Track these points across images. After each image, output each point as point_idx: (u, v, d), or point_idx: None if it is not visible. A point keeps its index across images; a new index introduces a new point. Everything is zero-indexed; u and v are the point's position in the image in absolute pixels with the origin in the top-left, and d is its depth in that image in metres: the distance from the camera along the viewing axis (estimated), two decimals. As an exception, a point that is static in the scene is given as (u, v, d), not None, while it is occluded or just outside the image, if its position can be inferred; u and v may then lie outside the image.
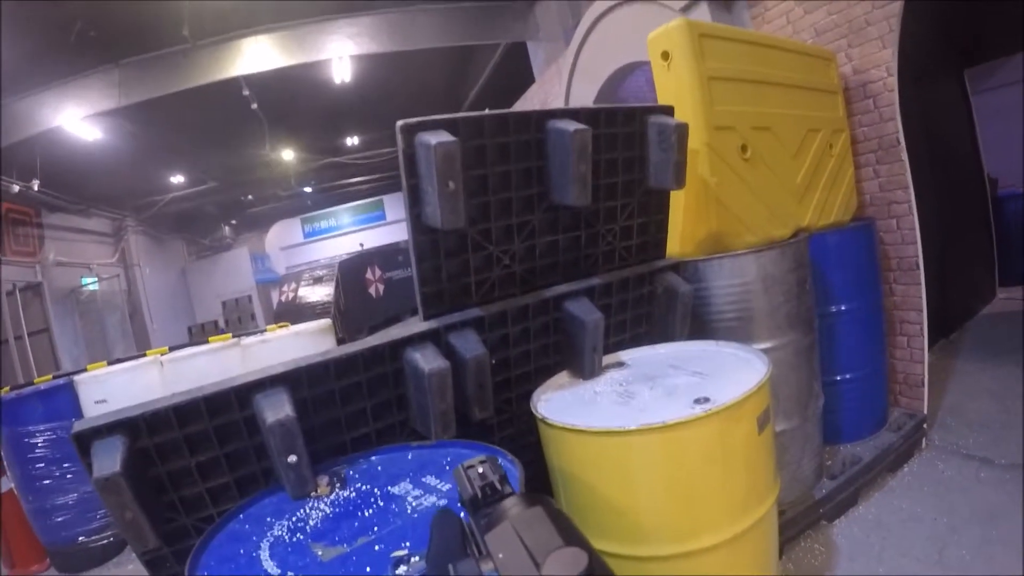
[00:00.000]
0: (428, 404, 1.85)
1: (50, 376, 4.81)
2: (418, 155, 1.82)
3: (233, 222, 18.27)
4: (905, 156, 3.60)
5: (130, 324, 13.31)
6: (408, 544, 1.35)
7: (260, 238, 18.73)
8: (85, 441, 1.57)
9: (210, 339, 4.87)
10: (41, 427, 4.15)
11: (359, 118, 12.17)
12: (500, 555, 0.69)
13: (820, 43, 3.84)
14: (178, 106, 8.65)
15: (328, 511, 1.61)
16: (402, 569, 1.21)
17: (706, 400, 1.74)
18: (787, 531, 2.78)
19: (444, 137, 1.77)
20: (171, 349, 4.86)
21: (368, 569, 1.28)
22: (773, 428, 1.97)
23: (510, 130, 2.04)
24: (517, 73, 9.56)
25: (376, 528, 1.46)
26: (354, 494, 1.69)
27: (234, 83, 8.40)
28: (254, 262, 17.37)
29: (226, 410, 1.74)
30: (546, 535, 0.71)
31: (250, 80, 8.50)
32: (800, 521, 2.88)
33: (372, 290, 9.33)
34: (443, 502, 1.54)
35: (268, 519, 1.62)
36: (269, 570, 1.36)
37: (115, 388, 4.10)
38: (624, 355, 2.47)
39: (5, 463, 4.35)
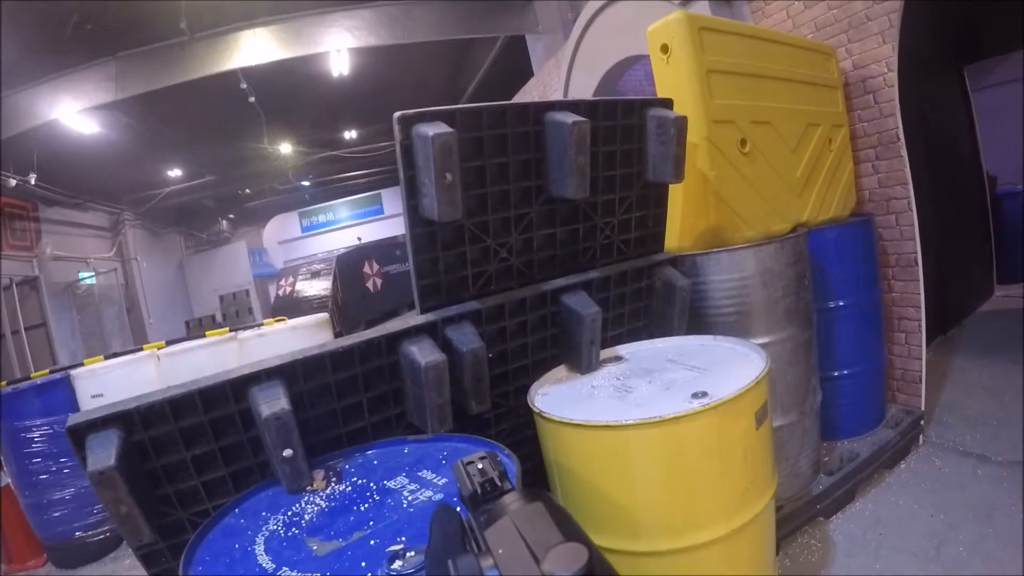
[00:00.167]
0: (425, 398, 1.84)
1: (47, 371, 4.80)
2: (415, 147, 1.81)
3: (231, 216, 18.24)
4: (904, 152, 3.59)
5: (127, 318, 13.29)
6: (404, 539, 1.34)
7: (258, 232, 18.71)
8: (80, 435, 1.56)
9: (207, 333, 4.85)
10: (38, 422, 4.14)
11: (357, 112, 12.14)
12: (500, 551, 0.68)
13: (820, 38, 3.83)
14: (175, 99, 8.62)
15: (324, 505, 1.60)
16: (398, 564, 1.20)
17: (704, 395, 1.74)
18: (784, 527, 2.78)
19: (442, 129, 1.76)
20: (168, 343, 4.85)
21: (364, 564, 1.28)
22: (771, 423, 1.96)
23: (508, 122, 2.03)
24: (516, 67, 9.55)
25: (372, 522, 1.45)
26: (350, 488, 1.68)
27: (232, 76, 8.37)
28: (252, 256, 17.36)
29: (221, 403, 1.73)
30: (546, 531, 0.70)
31: (248, 73, 8.47)
32: (797, 517, 2.88)
33: (370, 284, 9.33)
34: (439, 496, 1.53)
35: (263, 513, 1.61)
36: (264, 564, 1.35)
37: (112, 382, 4.09)
38: (622, 349, 2.46)
39: (2, 458, 4.34)
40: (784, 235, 3.04)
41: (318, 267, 9.41)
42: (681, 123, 2.37)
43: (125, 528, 1.52)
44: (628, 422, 1.65)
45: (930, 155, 4.88)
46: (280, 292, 9.76)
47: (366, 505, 1.55)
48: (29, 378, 4.51)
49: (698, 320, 2.75)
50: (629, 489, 1.74)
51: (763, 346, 2.13)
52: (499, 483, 0.91)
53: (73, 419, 1.57)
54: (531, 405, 1.96)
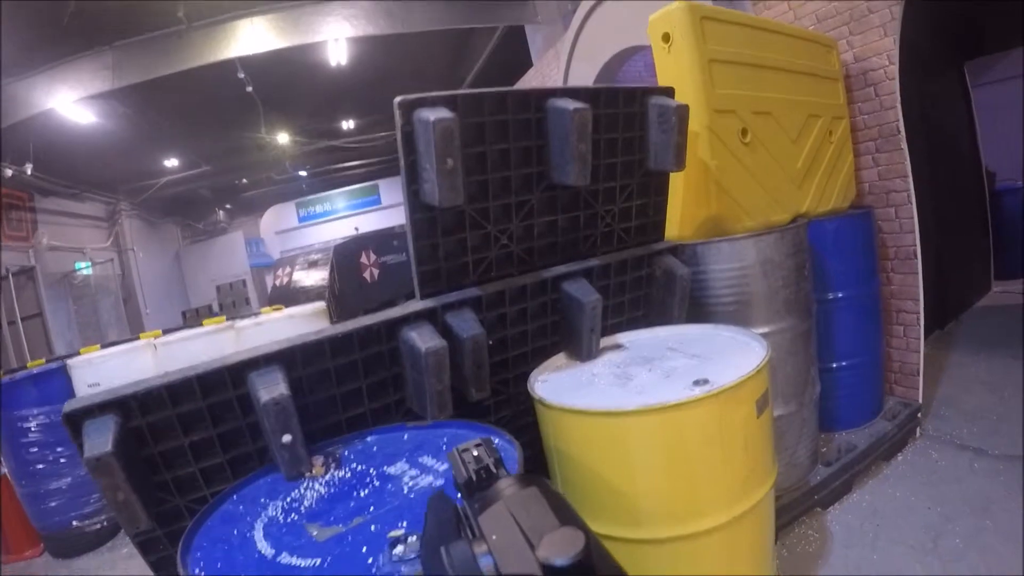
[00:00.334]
0: (425, 384, 1.83)
1: (43, 360, 4.78)
2: (416, 132, 1.79)
3: (227, 206, 18.14)
4: (905, 145, 3.59)
5: (124, 309, 13.23)
6: (405, 524, 1.33)
7: (255, 222, 18.59)
8: (77, 421, 1.55)
9: (204, 322, 4.83)
10: (34, 411, 4.13)
11: (355, 101, 12.06)
12: (494, 537, 0.67)
13: (821, 30, 3.81)
14: (172, 89, 8.55)
15: (323, 491, 1.60)
16: (399, 548, 1.20)
17: (705, 382, 1.73)
18: (782, 517, 2.78)
19: (443, 113, 1.74)
20: (165, 332, 4.83)
21: (365, 549, 1.27)
22: (771, 412, 1.96)
23: (509, 108, 2.01)
24: (515, 57, 9.49)
25: (372, 508, 1.45)
26: (349, 474, 1.67)
27: (229, 65, 8.28)
28: (248, 246, 17.26)
29: (219, 389, 1.72)
30: (541, 516, 0.69)
31: (245, 62, 8.39)
32: (795, 507, 2.88)
33: (367, 274, 9.28)
34: (440, 482, 1.52)
35: (262, 500, 1.60)
36: (263, 550, 1.34)
37: (109, 371, 4.05)
38: (621, 337, 2.46)
39: (-2, 448, 4.34)
40: (784, 225, 3.03)
41: (315, 257, 9.36)
42: (683, 111, 2.36)
43: (122, 515, 1.51)
44: (629, 409, 1.65)
45: (930, 150, 4.87)
46: (277, 282, 9.71)
47: (366, 491, 1.55)
48: (25, 368, 4.49)
49: (698, 309, 2.75)
50: (630, 476, 1.74)
51: (763, 336, 2.12)
52: (494, 470, 0.90)
53: (70, 405, 1.56)
54: (531, 392, 1.95)
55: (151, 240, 15.18)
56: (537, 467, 2.09)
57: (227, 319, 4.82)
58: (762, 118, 3.07)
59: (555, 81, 6.77)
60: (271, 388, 1.64)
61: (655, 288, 2.59)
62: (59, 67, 7.79)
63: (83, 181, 11.73)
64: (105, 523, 4.39)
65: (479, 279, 2.16)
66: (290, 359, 1.79)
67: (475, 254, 2.12)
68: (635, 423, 1.66)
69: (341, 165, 16.31)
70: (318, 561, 1.26)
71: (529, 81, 8.34)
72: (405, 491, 1.50)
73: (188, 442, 1.71)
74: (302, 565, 1.26)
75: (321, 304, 5.14)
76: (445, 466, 1.60)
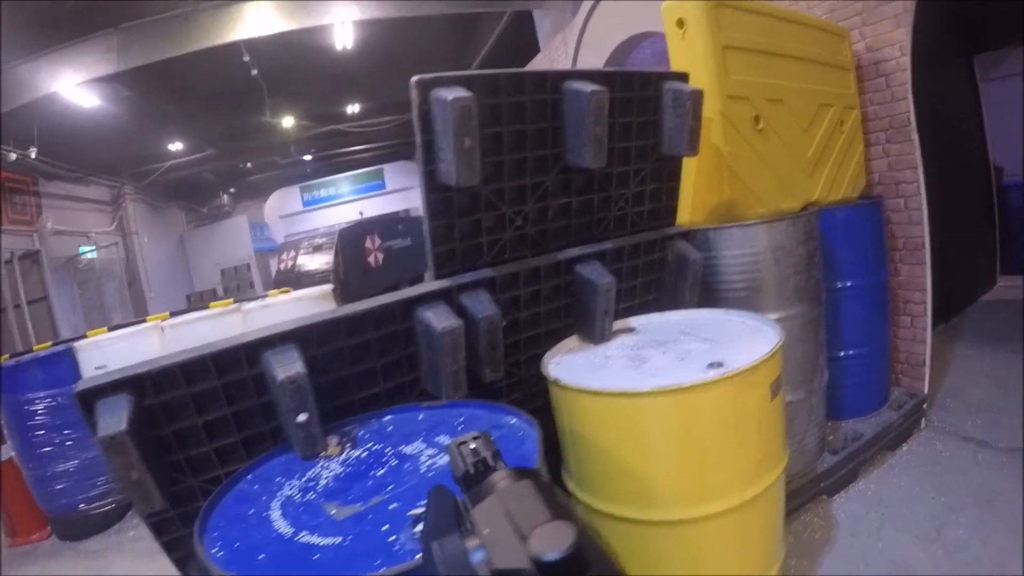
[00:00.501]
0: (440, 363, 1.83)
1: (49, 344, 4.78)
2: (433, 111, 1.78)
3: (232, 190, 18.08)
4: (915, 136, 3.57)
5: (128, 293, 13.26)
6: (424, 502, 1.33)
7: (259, 206, 18.54)
8: (89, 400, 1.54)
9: (211, 304, 4.83)
10: (41, 394, 4.12)
11: (360, 86, 11.99)
12: (486, 530, 0.67)
13: (834, 19, 3.78)
14: (177, 72, 8.50)
15: (339, 471, 1.59)
16: (421, 526, 1.20)
17: (720, 365, 1.73)
18: (789, 503, 2.76)
19: (461, 93, 1.73)
20: (172, 315, 4.83)
21: (385, 527, 1.27)
22: (784, 397, 1.96)
23: (526, 89, 2.00)
24: (522, 42, 9.43)
25: (391, 487, 1.44)
26: (366, 454, 1.67)
27: (234, 48, 8.23)
28: (253, 230, 17.25)
29: (235, 367, 1.71)
30: (533, 509, 0.69)
31: (250, 45, 8.33)
32: (802, 494, 2.89)
33: (371, 259, 9.28)
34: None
35: (278, 479, 1.60)
36: (282, 529, 1.34)
37: (115, 354, 4.05)
38: (634, 321, 2.46)
39: (5, 431, 4.34)
40: (796, 213, 3.02)
41: (320, 241, 9.33)
42: (697, 96, 2.35)
43: (136, 495, 1.50)
44: (645, 390, 1.65)
45: (938, 144, 4.84)
46: (281, 266, 9.68)
47: (383, 470, 1.54)
48: (31, 351, 4.50)
49: (709, 295, 2.75)
50: (643, 458, 1.74)
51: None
52: (492, 463, 0.90)
53: (82, 384, 1.55)
54: (545, 373, 1.95)
55: (155, 224, 15.17)
56: (548, 450, 2.09)
57: (234, 301, 4.82)
58: (774, 106, 3.06)
59: (563, 66, 6.73)
60: (287, 366, 1.64)
61: (667, 272, 2.59)
62: (63, 50, 7.74)
63: (87, 165, 11.70)
64: (112, 506, 4.39)
65: (493, 260, 2.16)
66: (305, 338, 1.78)
67: (490, 235, 2.12)
68: (650, 404, 1.67)
69: (346, 149, 16.26)
70: (339, 539, 1.26)
71: (537, 66, 8.29)
72: (423, 470, 1.50)
73: (202, 421, 1.70)
74: (323, 544, 1.25)
75: (328, 287, 5.15)
76: (461, 446, 1.60)
